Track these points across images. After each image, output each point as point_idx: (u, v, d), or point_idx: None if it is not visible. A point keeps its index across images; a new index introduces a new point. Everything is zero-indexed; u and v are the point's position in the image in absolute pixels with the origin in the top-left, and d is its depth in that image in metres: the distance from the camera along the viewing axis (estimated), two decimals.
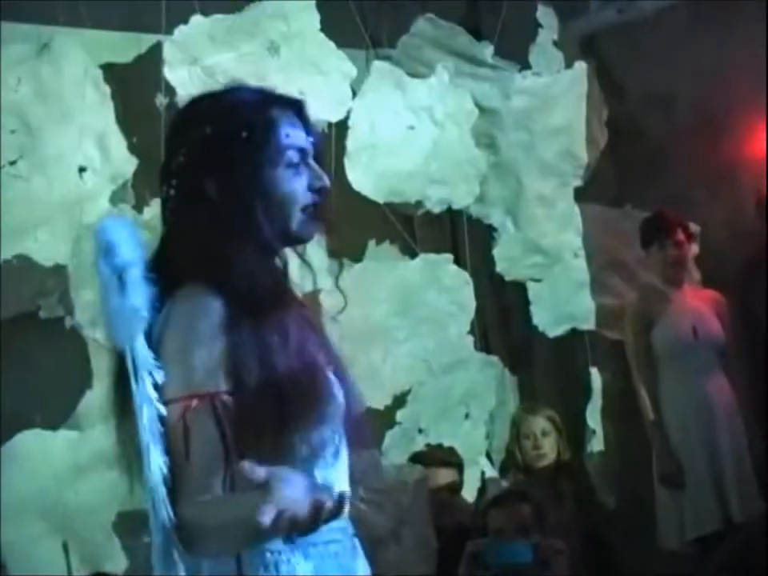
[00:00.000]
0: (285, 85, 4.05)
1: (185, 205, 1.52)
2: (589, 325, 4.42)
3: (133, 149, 3.64)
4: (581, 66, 4.42)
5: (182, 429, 1.37)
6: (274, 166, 1.51)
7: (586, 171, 4.45)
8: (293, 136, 1.53)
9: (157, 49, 3.67)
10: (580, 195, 4.46)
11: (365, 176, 4.01)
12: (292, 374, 1.40)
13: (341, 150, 3.96)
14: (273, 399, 1.38)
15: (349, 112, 4.03)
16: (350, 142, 4.02)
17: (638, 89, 4.55)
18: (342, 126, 4.01)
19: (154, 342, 1.42)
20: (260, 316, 1.42)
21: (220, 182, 1.50)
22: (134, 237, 1.47)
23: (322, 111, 3.73)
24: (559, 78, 4.42)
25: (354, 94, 4.10)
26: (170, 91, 3.61)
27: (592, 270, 4.43)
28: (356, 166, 3.99)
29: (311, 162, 1.54)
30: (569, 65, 4.45)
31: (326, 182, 1.54)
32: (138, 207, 3.61)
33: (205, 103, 1.56)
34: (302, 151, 1.54)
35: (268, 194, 1.50)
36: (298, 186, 1.52)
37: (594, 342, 4.52)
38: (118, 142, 3.61)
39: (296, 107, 1.57)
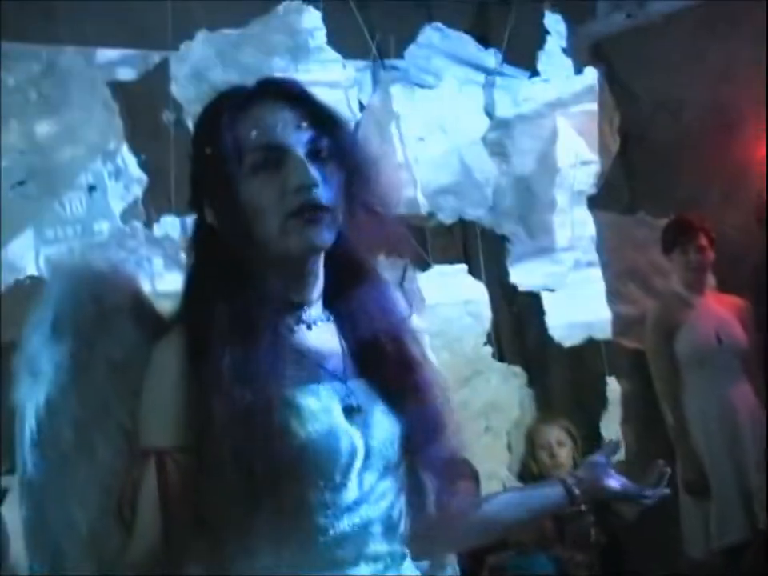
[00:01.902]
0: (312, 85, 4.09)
1: (194, 237, 1.43)
2: (605, 334, 4.42)
3: (143, 166, 3.65)
4: (591, 72, 4.43)
5: (131, 484, 1.31)
6: (238, 177, 1.35)
7: (599, 178, 4.45)
8: (263, 133, 1.35)
9: (163, 65, 3.68)
10: (593, 203, 4.46)
11: None
12: (257, 428, 1.27)
13: None
14: (232, 463, 1.26)
15: (357, 124, 4.03)
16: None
17: (649, 94, 4.55)
18: None
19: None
20: (228, 362, 1.29)
21: (213, 205, 1.39)
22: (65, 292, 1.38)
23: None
24: (569, 85, 4.42)
25: (362, 105, 4.11)
26: (177, 107, 3.62)
27: (607, 278, 4.43)
28: None
29: (295, 157, 1.35)
30: (578, 71, 4.46)
31: (309, 178, 1.33)
32: (149, 224, 3.61)
33: (198, 121, 1.46)
34: (273, 149, 1.35)
35: (239, 210, 1.34)
36: (267, 192, 1.34)
37: (611, 351, 4.50)
38: (127, 160, 3.62)
39: (286, 95, 1.40)
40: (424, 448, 1.43)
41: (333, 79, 3.92)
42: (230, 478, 1.26)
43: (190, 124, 3.51)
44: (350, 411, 1.37)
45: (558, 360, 4.65)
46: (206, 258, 1.40)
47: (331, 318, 1.45)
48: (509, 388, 4.35)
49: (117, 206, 3.61)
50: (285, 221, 1.34)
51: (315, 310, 1.42)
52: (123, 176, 3.61)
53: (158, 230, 3.53)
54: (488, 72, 4.41)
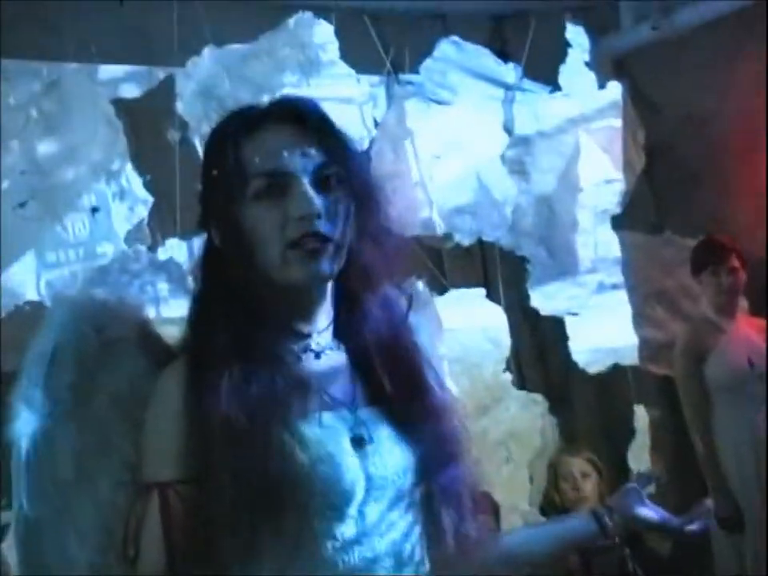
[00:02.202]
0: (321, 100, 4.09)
1: (201, 260, 1.45)
2: (632, 359, 4.39)
3: (147, 186, 3.65)
4: (614, 87, 4.42)
5: (134, 520, 1.31)
6: (241, 202, 1.37)
7: (624, 197, 4.44)
8: (268, 158, 1.37)
9: (169, 82, 3.69)
10: (618, 222, 4.44)
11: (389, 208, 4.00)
12: (261, 460, 1.29)
13: None
14: (235, 493, 1.27)
15: (371, 142, 4.04)
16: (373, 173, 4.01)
17: (675, 108, 4.53)
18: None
19: None
20: (228, 394, 1.31)
21: (218, 228, 1.42)
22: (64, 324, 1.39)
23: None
24: (592, 100, 4.42)
25: (376, 122, 4.11)
26: (183, 125, 3.63)
27: (633, 301, 4.41)
28: None
29: (300, 185, 1.37)
30: (601, 85, 4.45)
31: (312, 207, 1.35)
32: (153, 248, 3.61)
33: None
34: (278, 175, 1.37)
35: (242, 236, 1.37)
36: (269, 219, 1.36)
37: (638, 378, 4.47)
38: (131, 180, 3.62)
39: (297, 118, 1.40)
40: (439, 478, 1.42)
41: (346, 95, 3.93)
42: (232, 509, 1.27)
43: (197, 143, 3.52)
44: (358, 441, 1.38)
45: (582, 387, 4.63)
46: (212, 283, 1.42)
47: (341, 346, 1.46)
48: (530, 416, 4.32)
49: (121, 228, 3.61)
50: (285, 250, 1.36)
51: (324, 338, 1.44)
52: (127, 197, 3.62)
53: (162, 253, 3.53)
54: (507, 87, 4.41)
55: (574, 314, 4.46)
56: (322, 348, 1.43)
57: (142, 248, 3.59)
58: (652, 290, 4.45)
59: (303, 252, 1.35)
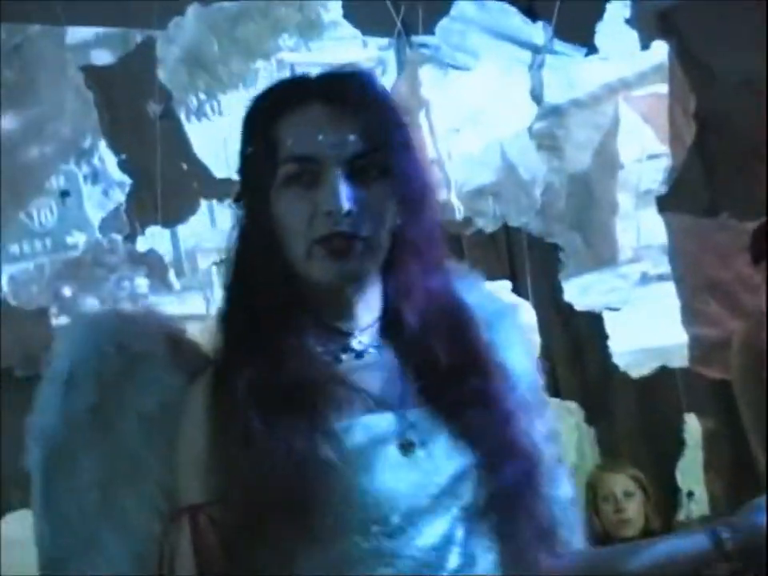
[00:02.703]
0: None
1: (234, 245, 1.48)
2: (681, 361, 4.37)
3: (124, 167, 3.65)
4: (659, 47, 4.39)
5: (168, 548, 1.36)
6: (270, 186, 1.42)
7: (671, 174, 4.41)
8: (301, 142, 1.41)
9: (147, 46, 3.68)
10: (664, 204, 4.42)
11: None
12: (287, 478, 1.32)
13: None
14: (267, 512, 1.31)
15: None
16: None
17: (731, 72, 4.49)
18: None
19: None
20: (254, 405, 1.36)
21: (245, 211, 1.47)
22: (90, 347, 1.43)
23: None
24: (633, 63, 4.43)
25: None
26: (165, 96, 3.62)
27: (683, 294, 4.38)
28: None
29: (332, 176, 1.40)
30: (644, 46, 4.44)
31: (342, 203, 1.38)
32: (132, 237, 3.61)
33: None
34: (309, 162, 1.41)
35: (269, 222, 1.42)
36: (298, 210, 1.40)
37: (689, 383, 4.46)
38: (106, 160, 3.62)
39: (342, 96, 1.43)
40: (506, 488, 1.43)
41: (350, 60, 3.90)
42: (265, 529, 1.31)
43: (182, 116, 3.51)
44: (406, 446, 1.40)
45: (623, 393, 4.63)
46: (240, 275, 1.46)
47: (389, 344, 1.48)
48: (564, 427, 4.32)
49: (94, 216, 3.61)
50: (311, 245, 1.40)
51: (367, 336, 1.47)
52: (101, 179, 3.62)
53: (142, 244, 3.52)
54: (535, 49, 4.42)
55: (614, 310, 4.46)
56: (365, 347, 1.46)
57: (118, 238, 3.59)
58: (704, 281, 4.42)
59: (328, 250, 1.39)
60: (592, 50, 4.43)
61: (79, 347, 1.43)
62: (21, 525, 3.41)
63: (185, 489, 1.38)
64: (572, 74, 4.42)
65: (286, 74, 3.91)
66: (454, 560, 1.38)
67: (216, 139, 3.67)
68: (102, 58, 3.75)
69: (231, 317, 1.45)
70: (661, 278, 4.45)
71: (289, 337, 1.41)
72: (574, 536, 1.55)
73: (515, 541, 1.43)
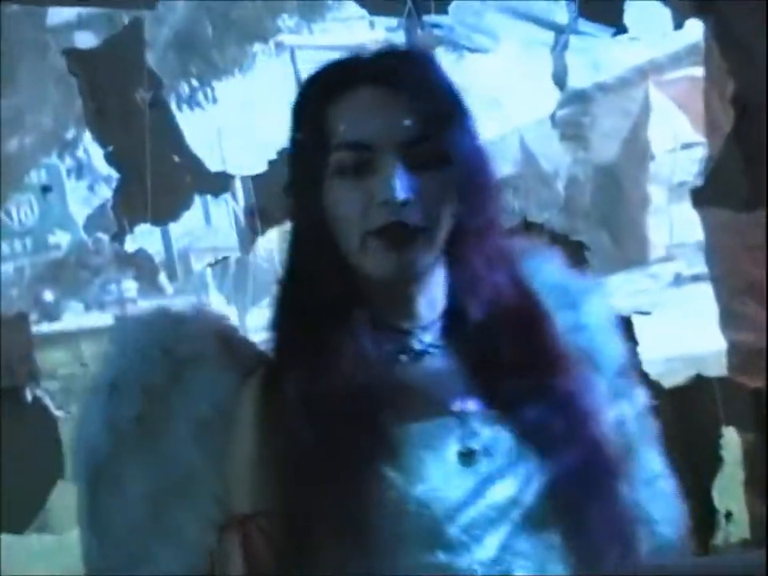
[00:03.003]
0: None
1: (290, 238, 1.53)
2: (719, 369, 4.34)
3: (111, 160, 3.63)
4: (695, 26, 4.36)
5: (216, 562, 1.40)
6: (322, 175, 1.45)
7: (707, 165, 4.38)
8: (354, 128, 1.44)
9: (135, 28, 3.66)
10: (700, 197, 4.38)
11: None
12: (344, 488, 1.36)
13: None
14: (316, 525, 1.35)
15: None
16: None
17: None
18: None
19: None
20: (305, 408, 1.39)
21: (295, 201, 1.51)
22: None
23: None
24: (665, 44, 4.39)
25: None
26: (155, 83, 3.60)
27: (720, 296, 4.36)
28: None
29: (387, 163, 1.42)
30: (678, 25, 4.40)
31: (398, 192, 1.40)
32: (119, 237, 3.59)
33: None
34: (364, 149, 1.43)
35: (321, 214, 1.45)
36: (351, 200, 1.43)
37: (727, 393, 4.43)
38: (91, 153, 3.61)
39: (400, 77, 1.46)
40: (581, 499, 1.45)
41: (356, 42, 3.90)
42: (320, 541, 1.36)
43: (173, 104, 3.49)
44: (468, 454, 1.42)
45: (655, 405, 4.57)
46: (291, 269, 1.51)
47: (452, 343, 1.50)
48: None
49: (78, 213, 3.62)
50: (366, 237, 1.43)
51: (428, 335, 1.50)
52: (86, 173, 3.62)
53: (131, 243, 3.50)
54: (558, 30, 4.39)
55: (645, 313, 4.42)
56: (426, 346, 1.49)
57: (105, 237, 3.58)
58: (744, 281, 4.40)
59: (384, 243, 1.42)
60: (620, 29, 4.37)
61: (123, 353, 1.48)
62: None
63: (234, 497, 1.42)
64: (598, 55, 4.42)
65: (286, 58, 3.93)
66: (519, 573, 1.41)
67: (210, 129, 3.67)
68: (86, 40, 3.75)
69: (282, 315, 1.49)
70: (696, 278, 4.49)
71: (343, 337, 1.43)
72: (669, 527, 1.65)
73: (588, 550, 1.44)
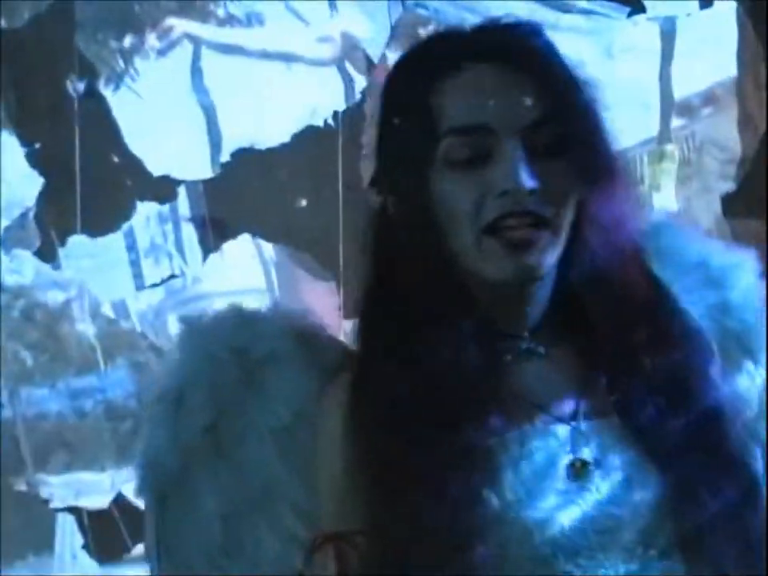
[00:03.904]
0: (263, 59, 4.10)
1: (372, 234, 1.55)
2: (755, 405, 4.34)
3: (34, 160, 3.63)
4: (725, 6, 4.40)
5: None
6: (428, 165, 1.47)
7: (740, 168, 4.42)
8: (465, 110, 1.47)
9: (64, 6, 3.66)
10: (731, 206, 4.43)
11: None
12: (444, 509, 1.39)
13: (354, 149, 4.01)
14: (413, 545, 1.39)
15: (364, 92, 4.09)
16: (368, 137, 4.02)
17: None
18: (354, 115, 4.07)
19: None
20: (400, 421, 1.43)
21: (393, 196, 1.52)
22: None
23: (321, 93, 3.84)
24: (690, 25, 4.42)
25: (371, 63, 4.15)
26: (87, 70, 3.60)
27: (756, 321, 4.35)
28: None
29: (507, 146, 1.45)
30: (705, 4, 4.42)
31: (519, 179, 1.43)
32: (46, 252, 3.59)
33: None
34: (480, 133, 1.46)
35: (427, 212, 1.47)
36: (464, 193, 1.46)
37: None
38: (10, 151, 3.60)
39: (512, 52, 1.49)
40: (716, 524, 1.46)
41: (323, 27, 3.94)
42: (416, 565, 1.39)
43: (107, 96, 3.49)
44: (579, 466, 1.44)
45: None
46: (382, 267, 1.52)
47: (563, 343, 1.54)
48: None
49: None
50: (481, 236, 1.45)
51: (538, 337, 1.53)
52: (6, 176, 3.60)
53: (63, 258, 3.50)
54: (565, 9, 4.39)
55: None
56: (533, 347, 1.52)
57: (26, 253, 3.56)
58: None
59: (503, 240, 1.43)
60: (638, 9, 4.41)
61: (189, 358, 1.53)
62: None
63: (325, 513, 1.47)
64: (613, 40, 4.41)
65: (235, 34, 3.93)
66: None
67: (150, 124, 3.65)
68: (7, 19, 3.74)
69: (373, 321, 1.52)
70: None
71: (445, 343, 1.45)
72: None
73: None
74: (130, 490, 4.05)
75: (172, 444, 1.50)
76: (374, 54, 4.19)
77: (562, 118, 1.48)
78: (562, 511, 1.41)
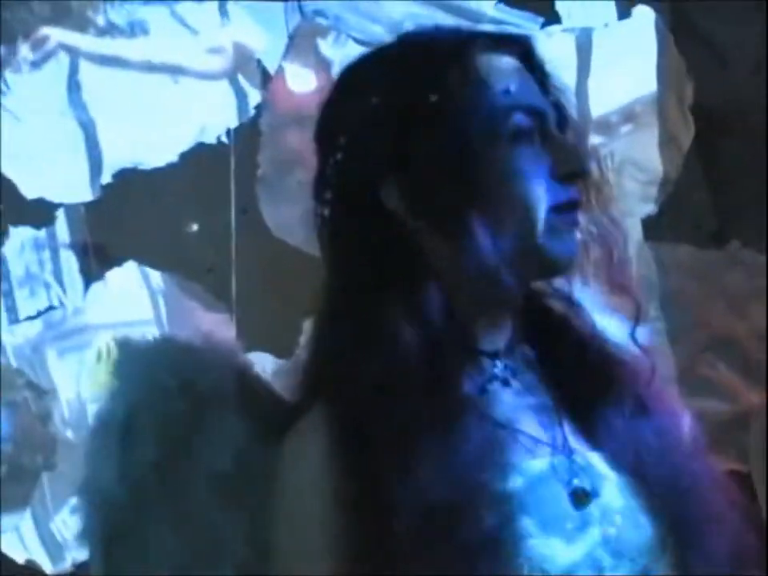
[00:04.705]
0: (148, 71, 4.04)
1: (345, 231, 1.54)
2: None
3: None
4: (643, 15, 4.41)
5: None
6: (492, 141, 1.50)
7: (662, 189, 4.42)
8: (518, 91, 1.53)
9: None
10: (653, 230, 4.44)
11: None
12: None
13: (248, 169, 3.99)
14: None
15: (259, 107, 4.12)
16: (264, 156, 4.03)
17: (743, 49, 4.51)
18: (248, 132, 4.08)
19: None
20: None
21: (406, 184, 1.50)
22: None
23: (212, 109, 3.91)
24: (608, 37, 4.44)
25: (267, 75, 4.17)
26: None
27: (680, 354, 4.34)
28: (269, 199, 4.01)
29: (554, 131, 1.55)
30: (623, 14, 4.47)
31: (582, 164, 1.54)
32: None
33: (368, 64, 1.61)
34: (536, 114, 1.53)
35: (488, 192, 1.49)
36: (536, 172, 1.52)
37: None
38: None
39: (520, 51, 1.58)
40: (698, 552, 1.53)
41: (213, 37, 3.98)
42: None
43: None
44: (580, 495, 1.48)
45: None
46: (361, 280, 1.51)
47: (528, 371, 1.58)
48: None
49: None
50: (545, 215, 1.50)
51: (511, 358, 1.56)
52: None
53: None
54: (475, 19, 4.37)
55: None
56: (512, 371, 1.55)
57: None
58: (710, 336, 4.42)
59: (565, 225, 1.52)
60: (551, 19, 4.44)
61: (134, 386, 1.51)
62: None
63: (305, 564, 1.43)
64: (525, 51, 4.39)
65: (116, 45, 3.90)
66: None
67: (23, 143, 3.60)
68: None
69: (341, 342, 1.49)
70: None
71: (433, 368, 1.46)
72: None
73: None
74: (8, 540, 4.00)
75: (119, 478, 1.48)
76: (270, 66, 4.20)
77: (555, 108, 1.58)
78: (569, 548, 1.44)
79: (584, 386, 1.57)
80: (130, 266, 4.18)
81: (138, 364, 1.54)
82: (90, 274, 4.17)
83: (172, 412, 1.50)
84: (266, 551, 1.46)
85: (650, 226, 4.43)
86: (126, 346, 1.57)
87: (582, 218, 1.55)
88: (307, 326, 1.62)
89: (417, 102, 1.51)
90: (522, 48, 1.59)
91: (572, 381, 1.57)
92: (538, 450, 1.50)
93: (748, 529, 1.59)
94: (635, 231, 4.37)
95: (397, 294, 1.48)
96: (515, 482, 1.45)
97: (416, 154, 1.51)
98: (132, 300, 4.23)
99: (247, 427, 1.51)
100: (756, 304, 4.14)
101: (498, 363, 1.54)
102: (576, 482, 1.49)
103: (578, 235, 1.54)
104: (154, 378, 1.51)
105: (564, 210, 1.52)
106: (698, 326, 4.44)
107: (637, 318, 1.64)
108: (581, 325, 1.62)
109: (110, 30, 3.96)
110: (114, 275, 4.18)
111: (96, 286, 4.17)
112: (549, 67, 1.61)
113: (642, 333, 1.63)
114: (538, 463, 1.49)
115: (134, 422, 1.49)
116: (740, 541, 1.58)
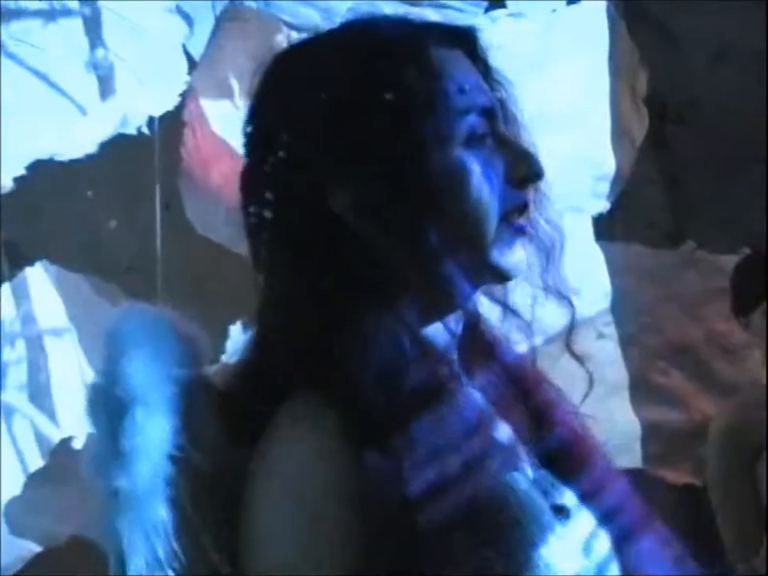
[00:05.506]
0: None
1: (290, 238, 1.51)
2: (630, 461, 4.38)
3: None
4: (595, 3, 4.44)
5: None
6: (446, 145, 1.48)
7: (614, 186, 4.45)
8: (472, 90, 1.51)
9: None
10: (604, 227, 4.48)
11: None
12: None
13: (173, 162, 4.02)
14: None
15: (183, 95, 4.10)
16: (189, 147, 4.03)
17: (700, 38, 4.55)
18: (174, 122, 4.06)
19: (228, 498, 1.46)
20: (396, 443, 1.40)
21: (356, 187, 1.49)
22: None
23: (140, 96, 3.93)
24: (556, 25, 4.46)
25: (193, 63, 4.17)
26: None
27: (632, 361, 4.40)
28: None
29: (505, 132, 1.53)
30: None
31: (537, 167, 1.52)
32: None
33: (312, 54, 1.57)
34: (487, 114, 1.52)
35: (442, 198, 1.48)
36: (490, 176, 1.50)
37: (642, 490, 4.42)
38: None
39: (467, 44, 1.55)
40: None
41: (147, 26, 3.89)
42: None
43: None
44: (562, 508, 1.50)
45: None
46: (334, 265, 1.49)
47: (478, 374, 1.58)
48: None
49: None
50: (497, 222, 1.50)
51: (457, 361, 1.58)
52: None
53: None
54: (412, 2, 4.38)
55: None
56: (466, 374, 1.56)
57: None
58: (664, 341, 4.45)
59: (514, 231, 1.51)
60: (496, 3, 4.45)
61: (148, 361, 1.49)
62: None
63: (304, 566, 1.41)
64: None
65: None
66: None
67: None
68: None
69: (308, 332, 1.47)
70: (599, 336, 4.44)
71: (414, 364, 1.46)
72: None
73: None
74: None
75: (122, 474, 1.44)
76: (195, 53, 4.21)
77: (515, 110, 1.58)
78: (567, 557, 1.45)
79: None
80: (43, 265, 4.17)
81: (146, 337, 1.52)
82: (1, 275, 4.15)
83: (183, 393, 1.50)
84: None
85: (601, 225, 4.46)
86: (127, 313, 1.55)
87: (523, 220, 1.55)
88: (234, 330, 1.59)
89: (370, 99, 1.50)
90: (468, 40, 1.57)
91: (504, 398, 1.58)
92: (514, 459, 1.50)
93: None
94: (585, 229, 4.40)
95: (354, 298, 1.47)
96: (505, 494, 1.45)
97: (367, 156, 1.51)
98: (45, 302, 4.22)
99: (220, 429, 1.50)
100: (710, 308, 4.15)
101: (454, 363, 1.54)
102: (553, 496, 1.50)
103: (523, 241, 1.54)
104: (165, 353, 1.50)
105: (512, 215, 1.52)
106: (650, 331, 4.49)
107: (572, 324, 1.63)
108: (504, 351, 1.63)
109: (25, 12, 3.96)
110: (25, 275, 4.17)
111: (5, 287, 4.15)
112: (492, 59, 1.58)
113: (579, 339, 1.62)
114: (518, 475, 1.49)
115: (150, 398, 1.48)
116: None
